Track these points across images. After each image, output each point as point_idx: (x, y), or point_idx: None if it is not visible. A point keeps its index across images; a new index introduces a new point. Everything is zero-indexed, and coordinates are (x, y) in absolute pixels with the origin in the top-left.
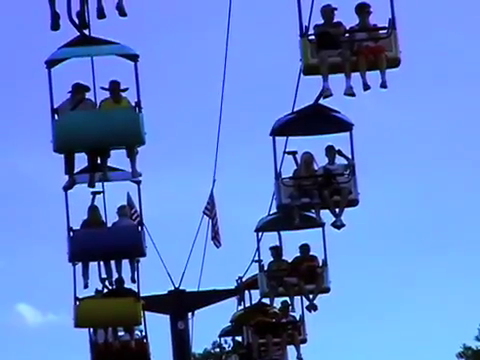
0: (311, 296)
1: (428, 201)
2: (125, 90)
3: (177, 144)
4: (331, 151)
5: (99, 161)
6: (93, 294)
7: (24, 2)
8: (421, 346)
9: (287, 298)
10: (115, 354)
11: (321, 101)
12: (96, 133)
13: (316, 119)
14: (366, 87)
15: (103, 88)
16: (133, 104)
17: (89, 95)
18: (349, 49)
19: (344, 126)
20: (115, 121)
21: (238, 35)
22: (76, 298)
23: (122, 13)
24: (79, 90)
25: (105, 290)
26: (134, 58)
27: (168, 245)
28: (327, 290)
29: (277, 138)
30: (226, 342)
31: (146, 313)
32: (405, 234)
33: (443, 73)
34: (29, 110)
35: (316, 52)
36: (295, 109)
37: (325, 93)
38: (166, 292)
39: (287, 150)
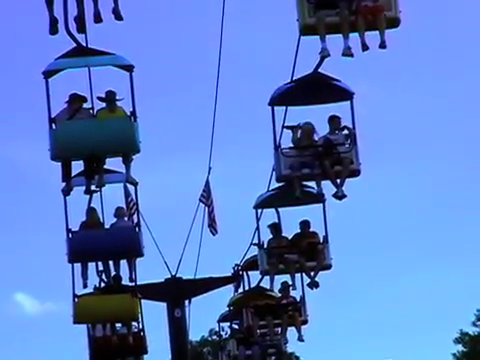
0: (312, 273)
1: (430, 178)
2: (120, 100)
3: (172, 132)
4: (334, 120)
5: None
6: (91, 291)
7: (25, 8)
8: (418, 332)
9: (287, 277)
10: (113, 348)
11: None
12: (92, 142)
13: (316, 88)
14: (365, 47)
15: (99, 98)
16: (128, 113)
17: (85, 105)
18: (347, 8)
19: (345, 95)
20: (111, 130)
21: (233, 26)
22: (75, 295)
23: (118, 17)
24: (76, 100)
25: (102, 284)
26: (129, 68)
27: (164, 233)
28: (328, 267)
29: (276, 110)
30: (223, 329)
31: (143, 301)
32: (405, 221)
33: (444, 37)
34: (27, 104)
35: (314, 12)
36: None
37: (323, 53)
38: (163, 280)
39: (286, 125)
